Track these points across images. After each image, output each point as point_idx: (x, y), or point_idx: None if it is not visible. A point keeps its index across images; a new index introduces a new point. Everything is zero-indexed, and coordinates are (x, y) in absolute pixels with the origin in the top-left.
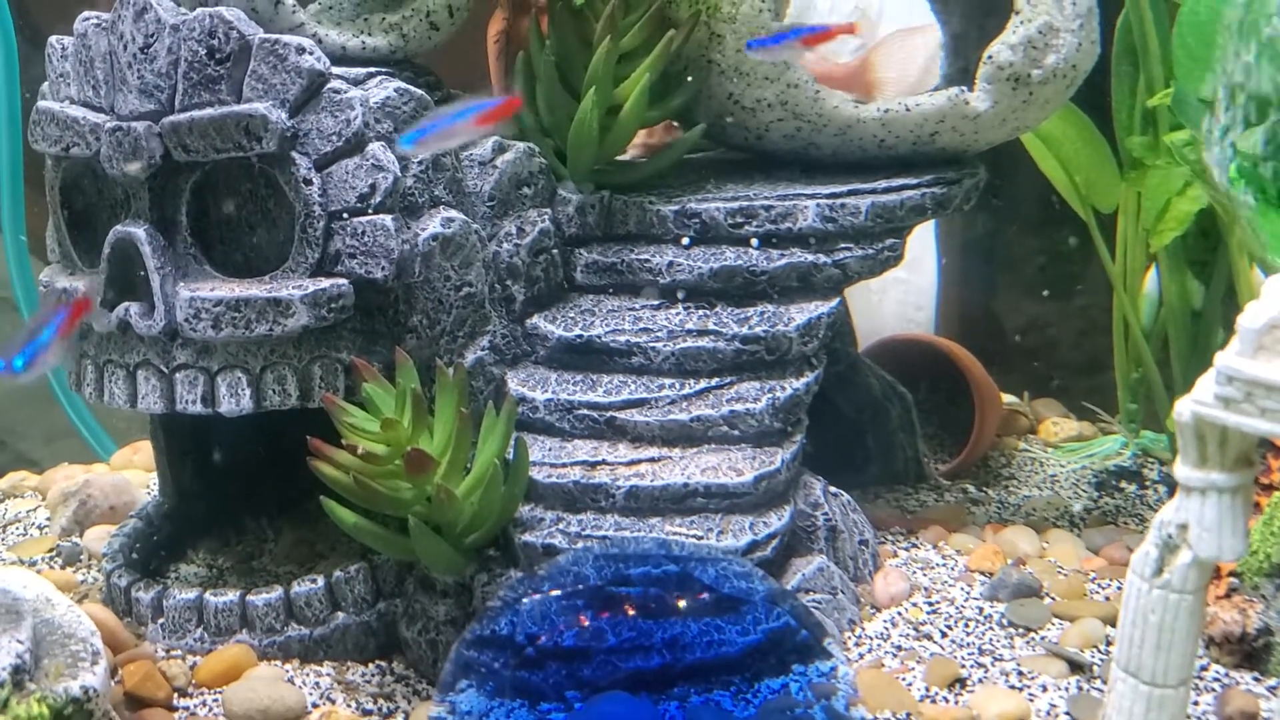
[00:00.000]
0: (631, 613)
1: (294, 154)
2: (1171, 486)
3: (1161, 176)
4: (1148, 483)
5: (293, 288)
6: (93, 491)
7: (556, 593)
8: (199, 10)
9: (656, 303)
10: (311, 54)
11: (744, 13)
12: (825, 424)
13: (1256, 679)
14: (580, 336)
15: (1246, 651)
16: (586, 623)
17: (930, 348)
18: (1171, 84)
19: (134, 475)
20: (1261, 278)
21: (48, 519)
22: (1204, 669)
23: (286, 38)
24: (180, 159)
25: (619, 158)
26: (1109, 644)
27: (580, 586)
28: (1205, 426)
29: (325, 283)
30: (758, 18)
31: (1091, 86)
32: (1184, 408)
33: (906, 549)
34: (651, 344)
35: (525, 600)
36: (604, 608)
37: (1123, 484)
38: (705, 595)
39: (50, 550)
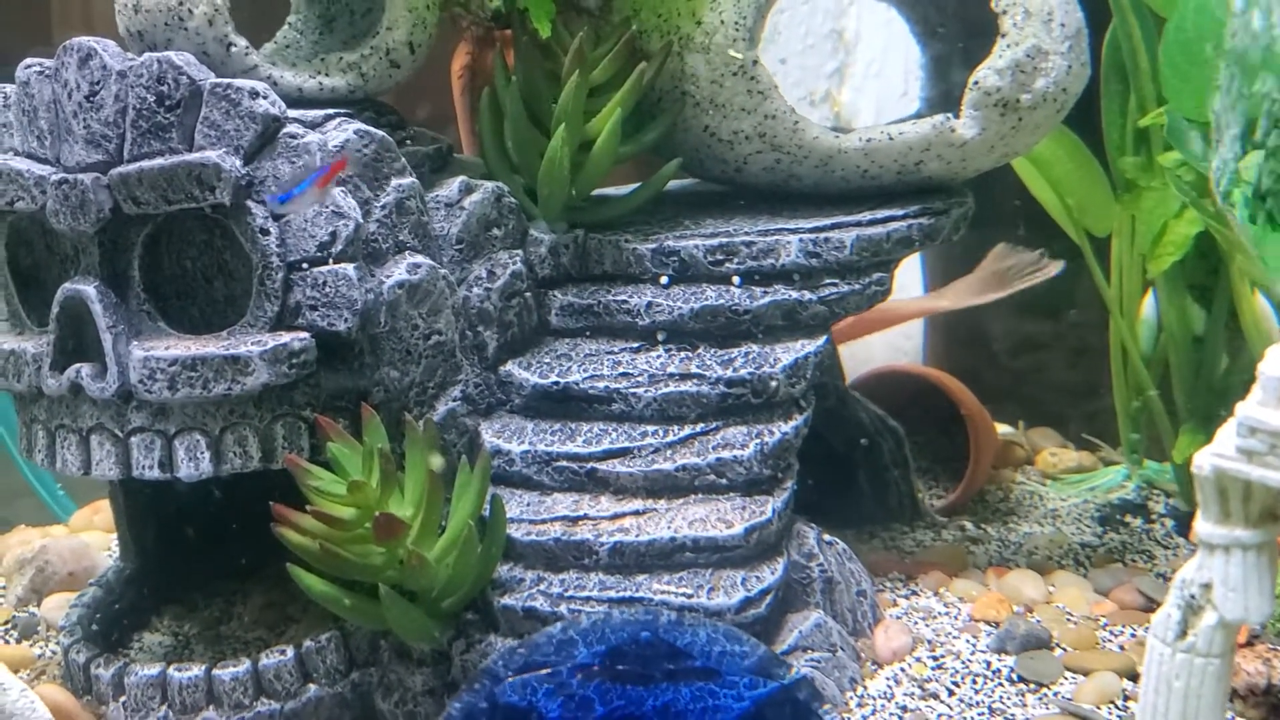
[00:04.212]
0: (620, 681)
1: (249, 203)
2: (1178, 520)
3: (1157, 198)
4: (1154, 516)
5: (251, 344)
6: (50, 557)
7: (540, 664)
8: (147, 55)
9: (636, 345)
10: (265, 98)
11: (717, 42)
12: (815, 462)
13: None
14: (557, 383)
15: (1273, 704)
16: (573, 693)
17: (921, 379)
18: (1163, 102)
19: (94, 538)
20: (1265, 304)
21: (2, 588)
22: None
23: (239, 82)
24: (130, 211)
25: (593, 194)
26: (1126, 699)
27: (565, 656)
28: (1227, 481)
29: (285, 337)
30: (731, 46)
31: (1082, 105)
32: (1204, 461)
33: (906, 597)
34: (632, 389)
35: (508, 672)
36: (591, 677)
37: (1128, 518)
38: (696, 661)
39: (5, 623)
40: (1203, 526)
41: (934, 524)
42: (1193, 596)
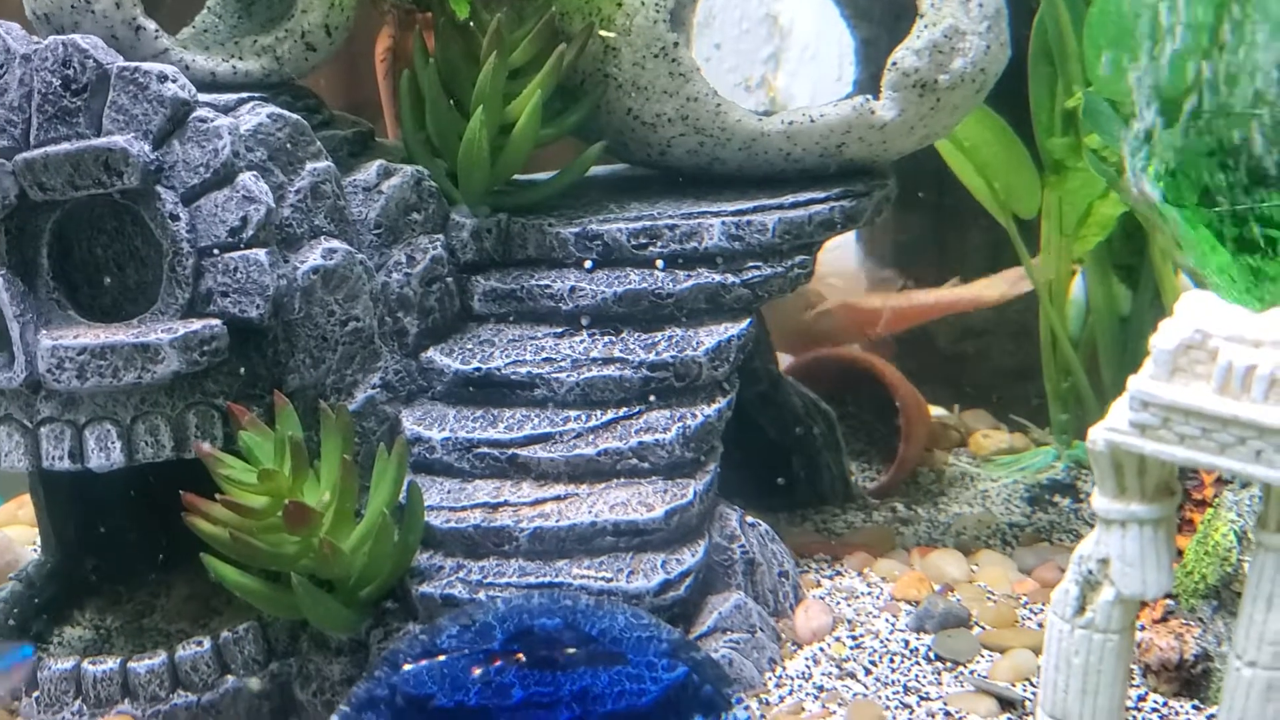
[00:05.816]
0: (536, 666)
1: (159, 188)
2: None
3: (1083, 179)
4: (1082, 496)
5: (161, 331)
6: None
7: (454, 648)
8: (52, 39)
9: (560, 330)
10: (175, 82)
11: (638, 24)
12: (748, 446)
13: (1196, 708)
14: (479, 369)
15: (1185, 679)
16: (489, 679)
17: (853, 363)
18: (1090, 84)
19: (18, 532)
20: (1188, 282)
21: None
22: (1141, 699)
23: (147, 65)
24: (37, 198)
25: (516, 177)
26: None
27: (480, 640)
28: (1121, 455)
29: (197, 324)
30: (653, 29)
31: (1009, 88)
32: (1098, 435)
33: (830, 577)
34: (555, 375)
35: (418, 657)
36: (507, 662)
37: (1056, 498)
38: (613, 645)
39: None
40: (1099, 502)
41: (866, 506)
42: (1090, 572)
